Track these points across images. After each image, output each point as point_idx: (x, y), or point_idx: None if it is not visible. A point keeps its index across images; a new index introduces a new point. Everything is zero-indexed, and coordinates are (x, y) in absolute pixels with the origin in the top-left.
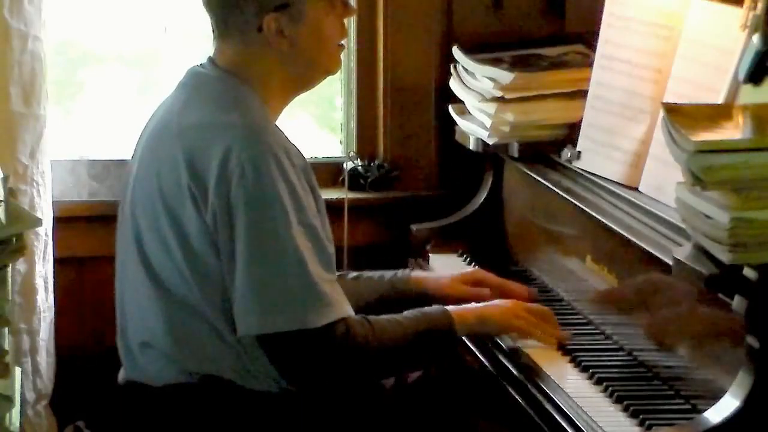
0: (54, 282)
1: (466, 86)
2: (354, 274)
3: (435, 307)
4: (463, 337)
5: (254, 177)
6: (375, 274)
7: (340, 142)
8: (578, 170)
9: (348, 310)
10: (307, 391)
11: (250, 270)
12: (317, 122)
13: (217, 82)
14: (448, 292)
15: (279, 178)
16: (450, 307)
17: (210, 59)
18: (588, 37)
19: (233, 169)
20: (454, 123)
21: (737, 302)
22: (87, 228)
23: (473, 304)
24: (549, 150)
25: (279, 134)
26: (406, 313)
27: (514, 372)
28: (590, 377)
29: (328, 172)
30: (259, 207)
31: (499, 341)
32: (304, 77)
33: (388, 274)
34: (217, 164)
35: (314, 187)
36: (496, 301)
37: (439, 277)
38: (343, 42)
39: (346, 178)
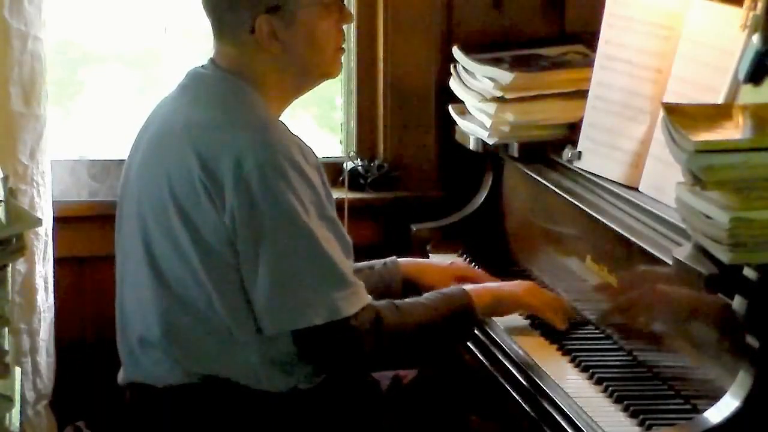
0: (54, 282)
1: (466, 86)
2: None
3: (454, 288)
4: None
5: (274, 176)
6: (364, 265)
7: (340, 142)
8: (578, 170)
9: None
10: (343, 379)
11: (278, 267)
12: (317, 122)
13: (219, 82)
14: (439, 287)
15: (297, 174)
16: (467, 286)
17: (211, 60)
18: (588, 37)
19: (251, 170)
20: (454, 123)
21: (737, 302)
22: (87, 228)
23: (490, 284)
24: (549, 150)
25: (288, 131)
26: (426, 295)
27: (515, 372)
28: (590, 377)
29: (328, 172)
30: (283, 205)
31: (495, 337)
32: (299, 81)
33: (378, 264)
34: (232, 165)
35: (326, 183)
36: (514, 282)
37: (427, 267)
38: (342, 46)
39: (346, 178)
